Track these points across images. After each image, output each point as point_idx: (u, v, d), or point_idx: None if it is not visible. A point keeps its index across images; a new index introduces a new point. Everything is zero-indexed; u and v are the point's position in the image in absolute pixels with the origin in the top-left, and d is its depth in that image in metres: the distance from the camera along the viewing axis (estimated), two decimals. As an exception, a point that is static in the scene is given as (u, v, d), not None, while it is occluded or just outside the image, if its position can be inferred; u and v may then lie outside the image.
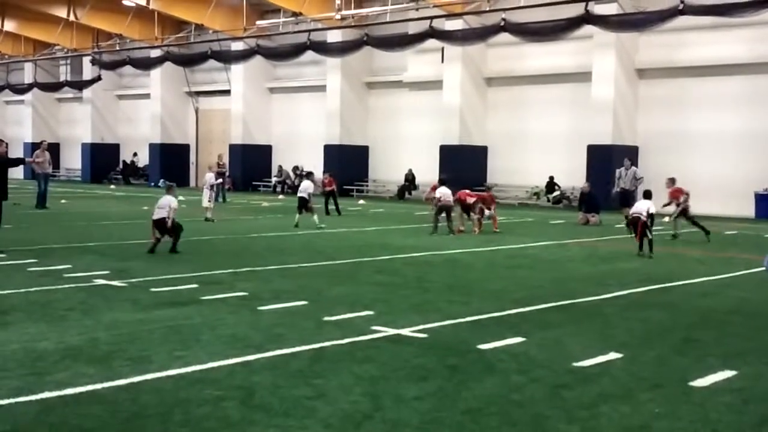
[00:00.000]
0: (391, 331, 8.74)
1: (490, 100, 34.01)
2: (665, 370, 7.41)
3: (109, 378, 6.76)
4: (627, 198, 22.80)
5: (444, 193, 20.08)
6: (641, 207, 16.13)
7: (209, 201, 23.35)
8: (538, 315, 9.99)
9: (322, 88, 38.10)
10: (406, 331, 8.74)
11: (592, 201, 24.17)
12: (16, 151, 52.82)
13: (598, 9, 26.99)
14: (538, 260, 15.57)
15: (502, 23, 27.84)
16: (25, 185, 37.64)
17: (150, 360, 7.39)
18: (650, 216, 15.89)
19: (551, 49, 30.85)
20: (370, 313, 9.73)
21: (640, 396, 6.60)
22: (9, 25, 44.17)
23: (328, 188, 26.50)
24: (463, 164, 32.86)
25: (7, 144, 16.08)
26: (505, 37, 29.10)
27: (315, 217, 21.07)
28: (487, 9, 29.98)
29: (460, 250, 16.72)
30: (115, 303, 10.09)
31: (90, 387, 6.52)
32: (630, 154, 29.18)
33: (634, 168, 24.28)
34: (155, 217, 15.21)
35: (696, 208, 27.66)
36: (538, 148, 32.29)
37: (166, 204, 15.18)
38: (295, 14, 34.54)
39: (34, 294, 10.65)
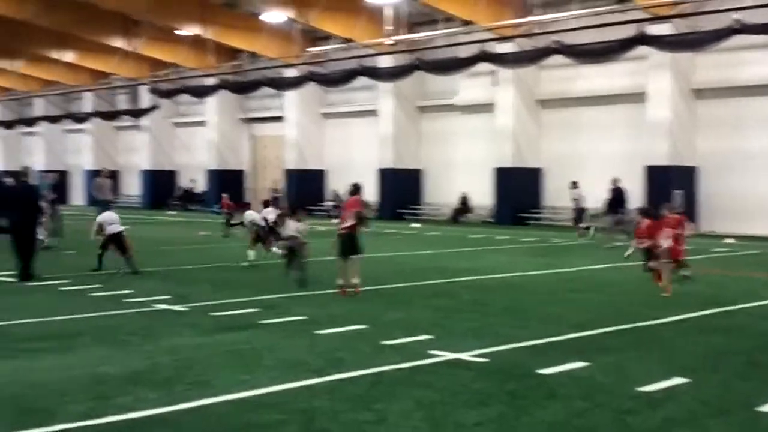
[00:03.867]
0: (450, 356, 8.70)
1: (543, 121, 33.81)
2: (730, 395, 7.25)
3: (172, 402, 6.84)
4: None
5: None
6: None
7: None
8: (599, 339, 9.85)
9: (374, 113, 38.30)
10: (465, 356, 8.69)
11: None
12: (76, 179, 54.08)
13: (653, 29, 26.73)
14: (596, 283, 15.37)
15: (554, 45, 27.73)
16: (87, 212, 38.43)
17: (211, 384, 7.47)
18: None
19: (605, 71, 30.59)
20: (429, 337, 9.70)
21: (707, 422, 6.47)
22: (69, 56, 45.32)
23: (226, 210, 26.78)
24: (517, 186, 32.69)
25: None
26: (557, 58, 28.95)
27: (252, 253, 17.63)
28: (539, 31, 29.89)
29: (517, 273, 16.60)
30: (176, 327, 10.22)
31: (154, 411, 6.61)
32: (688, 174, 28.70)
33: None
34: (111, 231, 15.87)
35: (756, 228, 27.08)
36: (593, 170, 31.95)
37: (116, 219, 16.25)
38: (346, 40, 34.85)
39: (98, 319, 10.85)
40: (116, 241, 15.79)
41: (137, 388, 7.28)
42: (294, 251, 14.72)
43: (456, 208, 35.83)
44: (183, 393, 7.14)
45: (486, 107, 34.31)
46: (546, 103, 33.67)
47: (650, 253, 14.57)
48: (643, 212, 15.73)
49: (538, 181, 33.81)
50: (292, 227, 14.84)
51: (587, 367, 8.21)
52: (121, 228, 15.90)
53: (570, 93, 32.61)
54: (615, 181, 25.17)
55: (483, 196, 34.38)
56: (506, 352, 9.02)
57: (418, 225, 32.85)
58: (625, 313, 11.60)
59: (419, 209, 37.77)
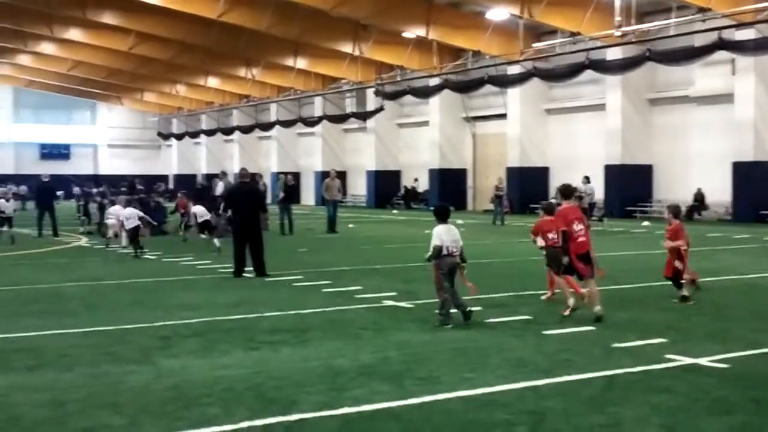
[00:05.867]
0: (687, 360, 8.24)
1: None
2: None
3: (402, 396, 6.95)
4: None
5: None
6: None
7: None
8: None
9: (601, 107, 37.22)
10: (703, 361, 8.19)
11: None
12: (308, 180, 56.75)
13: None
14: None
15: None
16: (316, 212, 40.25)
17: (439, 380, 7.52)
18: None
19: None
20: (663, 340, 9.24)
21: None
22: (301, 63, 47.63)
23: (181, 211, 25.94)
24: (760, 182, 30.56)
25: (261, 175, 17.61)
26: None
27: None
28: (783, 15, 27.73)
29: (761, 275, 15.48)
30: (403, 323, 10.40)
31: (385, 404, 6.74)
32: None
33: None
34: (129, 226, 18.77)
35: None
36: None
37: (134, 214, 19.18)
38: (572, 34, 34.09)
39: (330, 313, 11.27)
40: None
41: (370, 381, 7.47)
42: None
43: (690, 205, 34.06)
44: (412, 388, 7.24)
45: (724, 98, 32.35)
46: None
47: None
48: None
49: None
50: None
51: None
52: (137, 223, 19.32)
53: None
54: None
55: (720, 192, 32.46)
56: (750, 358, 8.41)
57: (648, 223, 31.53)
58: None
59: (649, 206, 36.27)
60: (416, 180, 49.54)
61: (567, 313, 10.72)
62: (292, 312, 11.34)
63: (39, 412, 6.59)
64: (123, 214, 20.31)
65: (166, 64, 52.35)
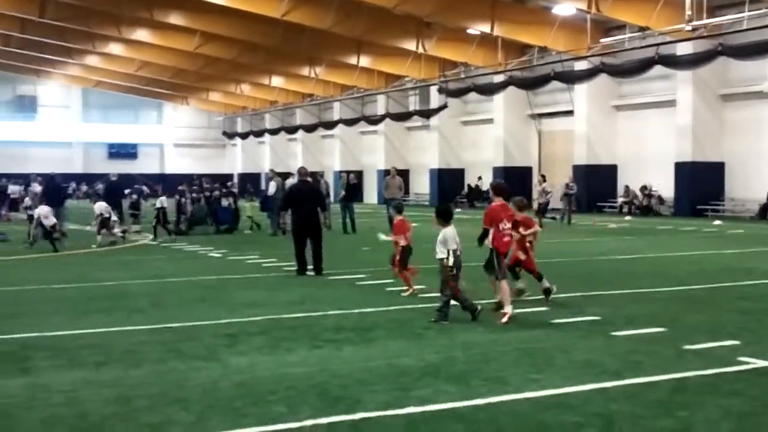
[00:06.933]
0: (761, 363, 8.00)
1: None
2: None
3: (468, 397, 6.88)
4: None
5: None
6: None
7: None
8: None
9: (671, 103, 36.45)
10: (778, 364, 7.94)
11: None
12: (371, 179, 56.82)
13: None
14: None
15: None
16: (379, 210, 40.27)
17: (505, 381, 7.42)
18: None
19: None
20: (735, 342, 8.98)
21: None
22: (364, 61, 47.73)
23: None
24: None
25: (322, 174, 17.54)
26: None
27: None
28: None
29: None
30: (468, 323, 10.30)
31: (450, 405, 6.68)
32: None
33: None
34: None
35: None
36: None
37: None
38: (641, 29, 33.45)
39: (393, 312, 11.23)
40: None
41: (435, 381, 7.41)
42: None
43: (764, 204, 33.16)
44: (478, 388, 7.16)
45: (801, 93, 31.42)
46: None
47: None
48: None
49: None
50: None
51: None
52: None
53: None
54: None
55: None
56: (830, 362, 8.11)
57: (719, 222, 30.78)
58: None
59: (721, 205, 35.41)
60: (480, 178, 49.21)
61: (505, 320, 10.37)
62: (356, 310, 11.33)
63: (107, 408, 6.68)
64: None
65: (230, 63, 53.01)
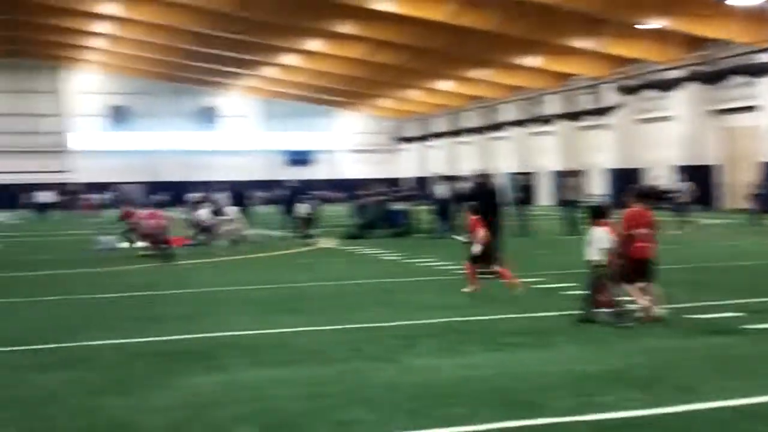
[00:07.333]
0: None
1: None
2: None
3: (656, 404, 6.63)
4: None
5: None
6: None
7: None
8: None
9: None
10: None
11: None
12: (543, 180, 55.92)
13: None
14: None
15: None
16: (552, 212, 39.56)
17: (694, 389, 7.10)
18: None
19: None
20: None
21: None
22: (533, 61, 47.06)
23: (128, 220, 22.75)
24: None
25: (492, 176, 17.62)
26: None
27: None
28: None
29: None
30: (652, 328, 9.90)
31: (638, 412, 6.45)
32: None
33: None
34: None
35: None
36: None
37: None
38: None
39: (571, 317, 10.95)
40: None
41: (619, 388, 7.18)
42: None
43: None
44: (666, 396, 6.88)
45: None
46: None
47: None
48: None
49: None
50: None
51: None
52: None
53: None
54: None
55: None
56: None
57: None
58: None
59: None
60: (657, 177, 47.37)
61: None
62: (532, 314, 11.17)
63: (298, 404, 6.91)
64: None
65: (399, 69, 53.70)
